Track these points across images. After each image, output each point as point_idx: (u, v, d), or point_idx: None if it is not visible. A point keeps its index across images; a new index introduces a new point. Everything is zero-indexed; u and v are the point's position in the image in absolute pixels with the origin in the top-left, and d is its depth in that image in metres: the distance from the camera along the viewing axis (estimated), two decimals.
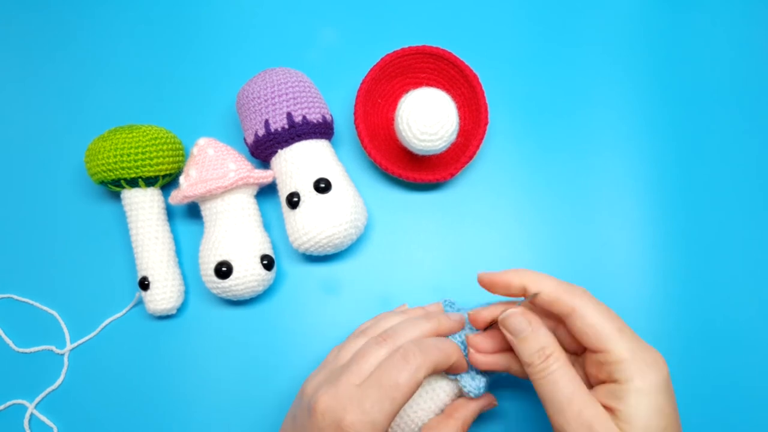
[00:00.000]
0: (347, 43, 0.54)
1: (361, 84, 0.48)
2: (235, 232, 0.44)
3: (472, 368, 0.39)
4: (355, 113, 0.48)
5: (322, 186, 0.44)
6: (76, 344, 0.47)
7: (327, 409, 0.33)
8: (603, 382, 0.34)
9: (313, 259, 0.49)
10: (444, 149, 0.46)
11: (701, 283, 0.48)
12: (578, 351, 0.37)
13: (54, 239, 0.50)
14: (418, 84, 0.50)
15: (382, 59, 0.49)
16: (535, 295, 0.35)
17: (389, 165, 0.47)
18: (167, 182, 0.49)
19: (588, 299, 0.35)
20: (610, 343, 0.33)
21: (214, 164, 0.45)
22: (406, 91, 0.47)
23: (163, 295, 0.46)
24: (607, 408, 0.32)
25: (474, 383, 0.39)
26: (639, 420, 0.31)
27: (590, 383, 0.36)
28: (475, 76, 0.48)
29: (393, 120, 0.50)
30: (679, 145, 0.51)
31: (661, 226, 0.49)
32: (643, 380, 0.32)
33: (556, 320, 0.37)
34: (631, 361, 0.32)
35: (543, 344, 0.34)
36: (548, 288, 0.35)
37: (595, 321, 0.34)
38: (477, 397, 0.39)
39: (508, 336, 0.36)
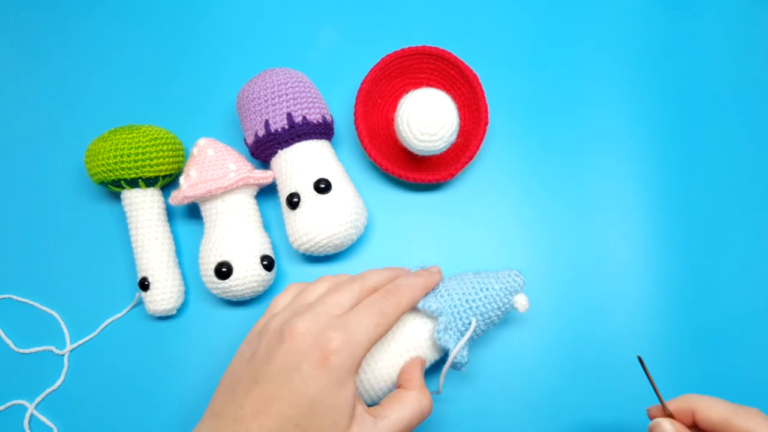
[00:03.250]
0: (347, 43, 0.54)
1: (361, 84, 0.48)
2: (235, 233, 0.44)
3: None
4: (355, 113, 0.48)
5: (323, 186, 0.44)
6: (76, 345, 0.47)
7: (307, 331, 0.33)
8: None
9: (313, 259, 0.49)
10: (444, 149, 0.46)
11: (701, 283, 0.48)
12: None
13: (54, 239, 0.50)
14: (418, 84, 0.50)
15: (382, 59, 0.49)
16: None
17: (389, 165, 0.47)
18: (167, 183, 0.49)
19: (763, 422, 0.31)
20: None
21: (215, 165, 0.45)
22: (406, 92, 0.47)
23: (163, 295, 0.46)
24: None
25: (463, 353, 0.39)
26: None
27: None
28: (475, 76, 0.48)
29: (393, 120, 0.50)
30: (678, 144, 0.51)
31: (661, 226, 0.49)
32: None
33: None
34: None
35: None
36: (718, 412, 0.33)
37: None
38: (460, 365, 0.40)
39: None
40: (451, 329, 0.39)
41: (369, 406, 0.37)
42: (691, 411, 0.34)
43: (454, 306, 0.40)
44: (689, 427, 0.34)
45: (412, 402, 0.35)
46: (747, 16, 0.55)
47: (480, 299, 0.40)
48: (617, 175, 0.50)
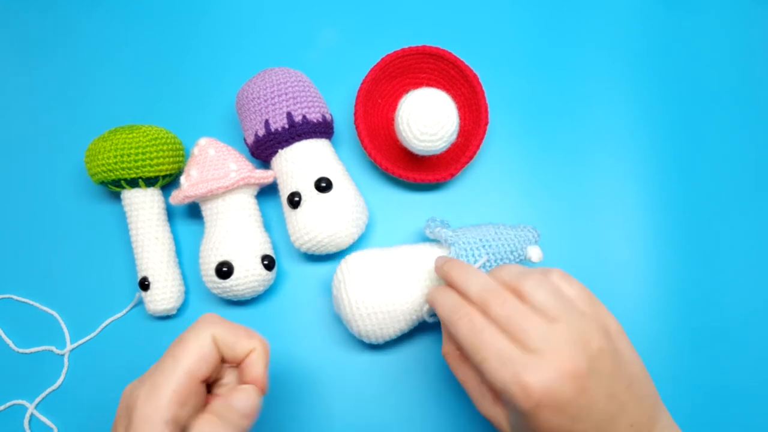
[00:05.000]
0: (347, 43, 0.54)
1: (362, 84, 0.48)
2: (235, 232, 0.44)
3: None
4: (355, 113, 0.48)
5: (323, 185, 0.44)
6: (76, 344, 0.47)
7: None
8: None
9: (314, 258, 0.49)
10: (444, 149, 0.46)
11: (701, 282, 0.48)
12: None
13: (54, 239, 0.50)
14: (418, 84, 0.50)
15: (382, 59, 0.49)
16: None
17: (389, 165, 0.47)
18: (167, 182, 0.49)
19: (462, 328, 0.33)
20: (481, 372, 0.31)
21: (215, 164, 0.45)
22: (406, 92, 0.47)
23: (163, 295, 0.46)
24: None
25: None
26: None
27: None
28: (475, 76, 0.48)
29: (393, 120, 0.50)
30: (678, 144, 0.51)
31: (661, 226, 0.49)
32: (512, 406, 0.30)
33: None
34: (500, 390, 0.30)
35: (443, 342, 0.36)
36: (439, 310, 0.35)
37: (465, 352, 0.33)
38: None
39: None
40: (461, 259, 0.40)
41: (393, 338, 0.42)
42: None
43: (467, 242, 0.41)
44: None
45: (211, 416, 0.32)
46: (747, 16, 0.55)
47: (493, 239, 0.41)
48: (617, 175, 0.50)
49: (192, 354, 0.32)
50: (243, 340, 0.33)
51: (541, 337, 0.30)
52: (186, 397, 0.31)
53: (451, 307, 0.34)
